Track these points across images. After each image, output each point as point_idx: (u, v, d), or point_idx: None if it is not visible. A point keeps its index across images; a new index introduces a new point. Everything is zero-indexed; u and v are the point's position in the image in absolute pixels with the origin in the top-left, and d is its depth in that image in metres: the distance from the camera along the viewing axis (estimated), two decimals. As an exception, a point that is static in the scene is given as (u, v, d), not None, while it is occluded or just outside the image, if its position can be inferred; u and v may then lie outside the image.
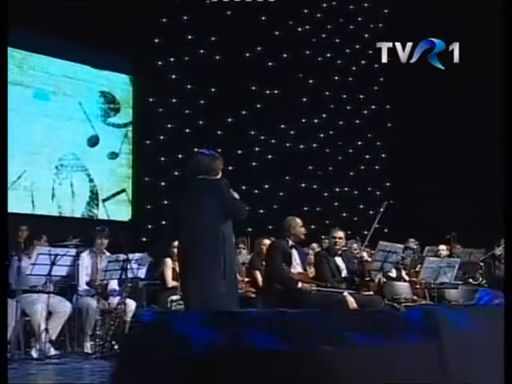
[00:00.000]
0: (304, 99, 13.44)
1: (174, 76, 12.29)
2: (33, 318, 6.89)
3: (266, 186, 12.95)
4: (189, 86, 12.39)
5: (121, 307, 7.14)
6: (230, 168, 12.55)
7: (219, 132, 12.58)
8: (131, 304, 7.37)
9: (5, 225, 3.83)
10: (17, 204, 10.27)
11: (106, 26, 11.05)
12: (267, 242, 7.79)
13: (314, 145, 13.52)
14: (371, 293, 7.20)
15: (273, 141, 13.10)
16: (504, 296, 4.55)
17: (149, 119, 12.09)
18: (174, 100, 12.25)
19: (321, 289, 6.89)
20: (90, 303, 7.24)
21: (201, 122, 12.41)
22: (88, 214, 11.50)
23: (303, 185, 13.35)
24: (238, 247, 8.78)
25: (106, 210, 11.59)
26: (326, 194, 13.49)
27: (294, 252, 6.98)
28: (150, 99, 12.09)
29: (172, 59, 12.26)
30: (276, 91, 13.14)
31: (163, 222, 9.76)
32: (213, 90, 12.57)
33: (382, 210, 7.54)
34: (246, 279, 7.66)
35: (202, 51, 12.50)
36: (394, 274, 8.84)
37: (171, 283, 7.75)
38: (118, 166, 11.94)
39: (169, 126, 12.14)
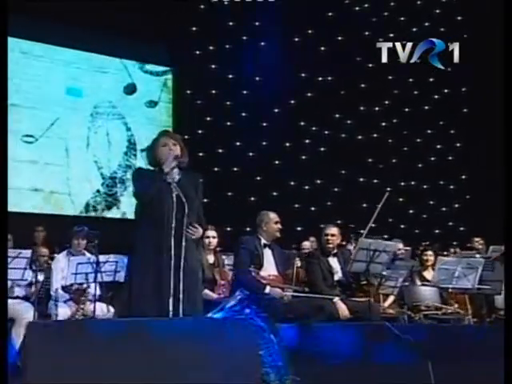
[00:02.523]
0: (362, 85, 12.12)
1: (213, 66, 11.46)
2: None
3: (319, 182, 11.80)
4: (230, 76, 11.51)
5: (81, 313, 6.47)
6: (277, 162, 11.66)
7: (264, 124, 11.61)
8: (104, 310, 6.63)
9: (5, 225, 3.65)
10: (51, 152, 10.19)
11: (140, 16, 10.44)
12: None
13: (375, 135, 12.15)
14: (367, 299, 5.96)
15: (326, 132, 11.92)
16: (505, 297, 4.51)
17: (189, 114, 11.33)
18: (214, 91, 11.42)
19: (297, 294, 5.78)
20: (58, 309, 6.57)
21: (244, 114, 11.49)
22: (125, 164, 10.98)
23: (361, 179, 12.04)
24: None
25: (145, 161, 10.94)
26: (388, 190, 12.02)
27: (267, 252, 5.91)
28: (188, 91, 11.34)
29: (211, 48, 11.44)
30: (329, 78, 11.95)
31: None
32: (257, 78, 11.61)
33: (382, 201, 6.31)
34: (222, 282, 6.64)
35: (244, 38, 11.58)
36: (430, 275, 7.59)
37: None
38: (158, 115, 11.29)
39: (208, 119, 11.31)
